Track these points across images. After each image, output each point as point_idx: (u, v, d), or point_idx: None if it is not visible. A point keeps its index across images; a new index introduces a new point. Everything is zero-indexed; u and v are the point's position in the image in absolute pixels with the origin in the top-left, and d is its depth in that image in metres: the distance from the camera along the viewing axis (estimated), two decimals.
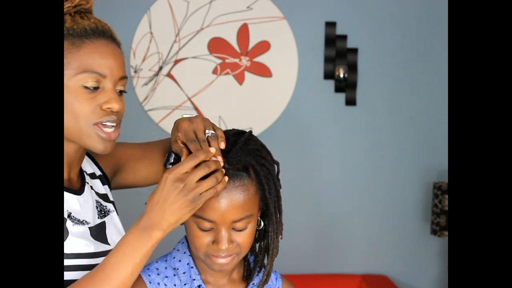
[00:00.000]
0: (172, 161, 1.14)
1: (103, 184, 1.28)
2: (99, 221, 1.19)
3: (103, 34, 1.12)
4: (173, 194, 1.00)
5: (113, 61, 1.11)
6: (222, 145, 1.07)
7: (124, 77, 1.14)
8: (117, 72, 1.12)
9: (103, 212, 1.22)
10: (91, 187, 1.23)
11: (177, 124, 1.13)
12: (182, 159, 1.06)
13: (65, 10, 1.11)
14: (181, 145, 1.08)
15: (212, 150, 1.04)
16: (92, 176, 1.26)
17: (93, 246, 1.14)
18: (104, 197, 1.26)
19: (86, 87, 1.08)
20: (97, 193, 1.24)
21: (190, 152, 1.07)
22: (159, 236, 1.04)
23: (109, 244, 1.19)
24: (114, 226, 1.23)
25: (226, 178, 1.06)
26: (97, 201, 1.22)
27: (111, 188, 1.31)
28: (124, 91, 1.16)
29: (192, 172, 1.02)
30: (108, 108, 1.10)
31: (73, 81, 1.07)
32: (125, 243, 1.04)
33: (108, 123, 1.10)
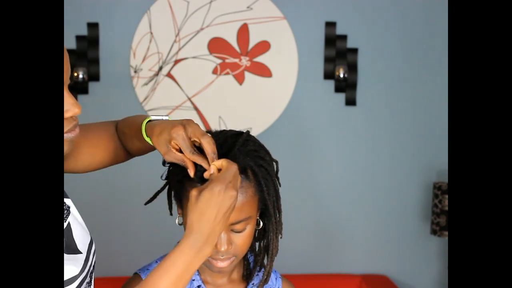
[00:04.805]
0: (167, 173, 1.14)
1: None
2: (65, 224, 1.10)
3: None
4: (228, 203, 0.99)
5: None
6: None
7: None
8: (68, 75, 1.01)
9: (66, 211, 1.13)
10: None
11: (169, 131, 1.06)
12: (190, 171, 1.06)
13: None
14: (179, 154, 1.06)
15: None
16: None
17: (74, 267, 1.06)
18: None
19: None
20: None
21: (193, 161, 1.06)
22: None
23: (81, 253, 1.10)
24: (78, 224, 1.14)
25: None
26: None
27: None
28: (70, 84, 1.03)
29: (236, 178, 1.02)
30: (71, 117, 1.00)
31: None
32: (178, 264, 0.99)
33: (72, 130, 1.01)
